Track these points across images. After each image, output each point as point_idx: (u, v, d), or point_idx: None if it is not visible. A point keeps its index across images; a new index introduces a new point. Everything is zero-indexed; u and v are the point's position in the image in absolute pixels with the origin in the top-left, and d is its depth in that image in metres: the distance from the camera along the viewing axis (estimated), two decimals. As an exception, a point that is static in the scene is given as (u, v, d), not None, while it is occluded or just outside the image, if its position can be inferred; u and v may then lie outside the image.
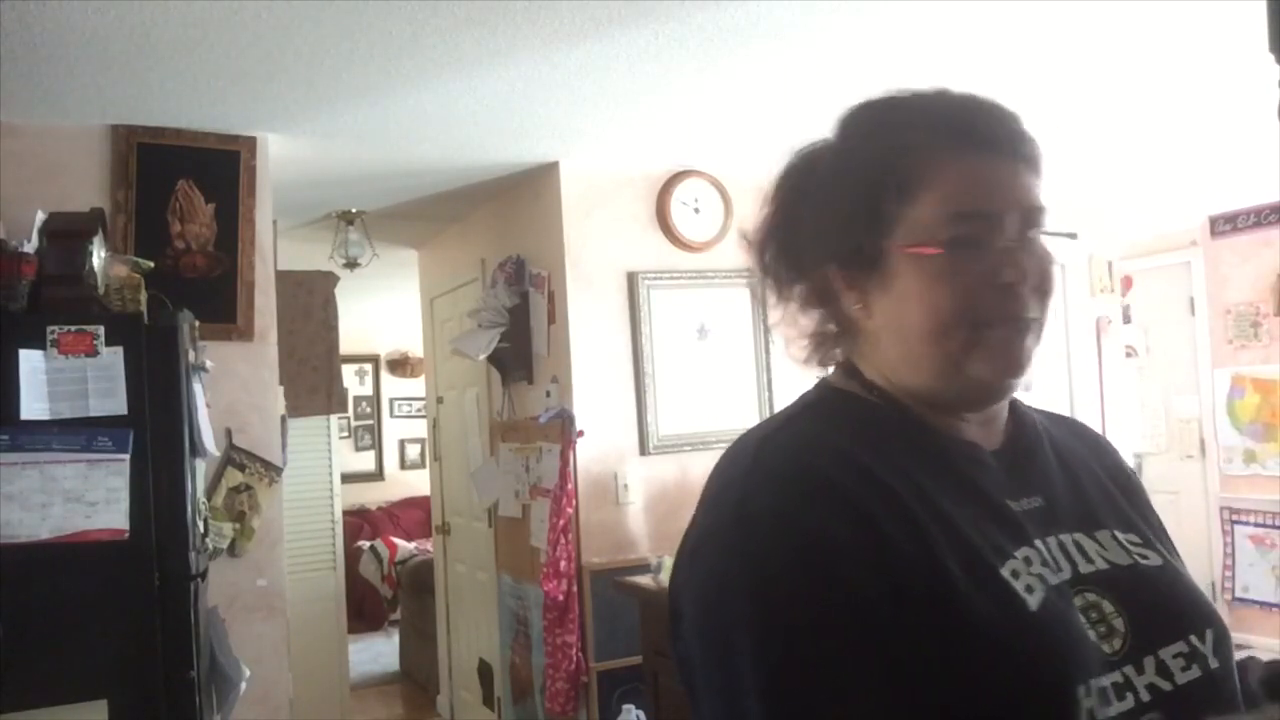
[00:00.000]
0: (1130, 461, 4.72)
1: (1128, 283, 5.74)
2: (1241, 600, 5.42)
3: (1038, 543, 0.87)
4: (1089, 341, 4.90)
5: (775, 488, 0.84)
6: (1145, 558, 0.92)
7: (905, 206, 0.87)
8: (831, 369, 1.00)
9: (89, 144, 3.12)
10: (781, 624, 0.78)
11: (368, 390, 8.87)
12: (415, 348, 7.26)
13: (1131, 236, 5.22)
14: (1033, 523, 0.88)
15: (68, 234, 2.48)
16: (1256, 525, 5.34)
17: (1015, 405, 0.99)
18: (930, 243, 0.86)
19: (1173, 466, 5.84)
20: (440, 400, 5.44)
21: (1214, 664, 0.87)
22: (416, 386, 7.84)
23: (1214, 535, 5.53)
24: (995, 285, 0.86)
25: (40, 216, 2.50)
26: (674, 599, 0.89)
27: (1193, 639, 0.87)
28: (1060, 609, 0.83)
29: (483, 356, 4.16)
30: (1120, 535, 0.93)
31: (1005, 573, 0.82)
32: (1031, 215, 0.89)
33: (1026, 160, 0.90)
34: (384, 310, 7.64)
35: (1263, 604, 5.30)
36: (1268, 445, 5.26)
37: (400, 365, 8.85)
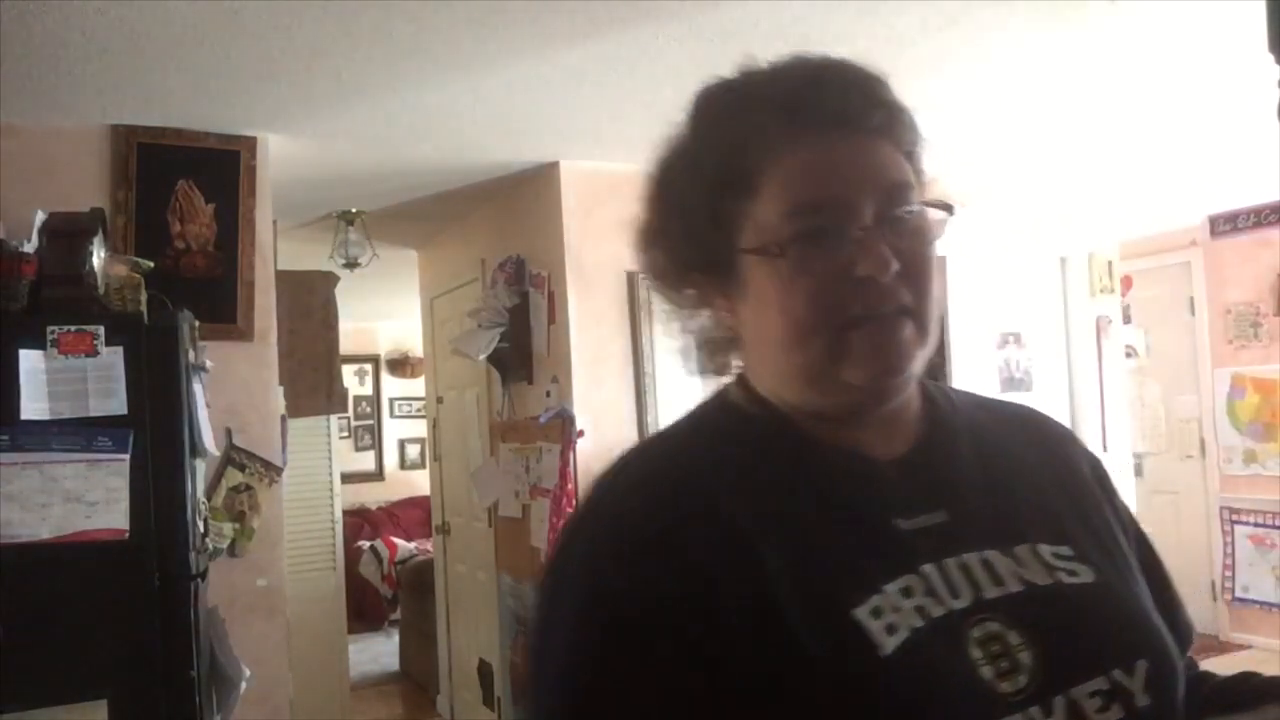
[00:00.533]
0: (1129, 461, 4.67)
1: (1128, 283, 5.74)
2: (1241, 600, 5.42)
3: (927, 567, 0.76)
4: (1089, 341, 4.90)
5: (598, 543, 0.78)
6: (1072, 574, 0.80)
7: (747, 204, 0.79)
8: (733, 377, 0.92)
9: (89, 144, 3.12)
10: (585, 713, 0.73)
11: (368, 390, 8.87)
12: (415, 348, 7.26)
13: (1132, 236, 5.21)
14: (927, 542, 0.78)
15: (68, 234, 2.48)
16: (1256, 525, 5.34)
17: (934, 401, 0.89)
18: (772, 243, 0.78)
19: (1173, 466, 5.84)
20: (440, 400, 5.44)
21: (1143, 702, 0.75)
22: (416, 386, 7.84)
23: (1214, 535, 5.53)
24: (853, 280, 0.77)
25: (40, 216, 2.50)
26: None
27: (1116, 674, 0.75)
28: (928, 649, 0.72)
29: (483, 356, 4.16)
30: (1045, 549, 0.81)
31: (862, 613, 0.72)
32: (892, 194, 0.79)
33: (880, 131, 0.80)
34: (384, 310, 7.64)
35: (1263, 604, 5.30)
36: (1268, 445, 5.26)
37: (400, 365, 8.85)
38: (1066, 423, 4.73)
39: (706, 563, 0.73)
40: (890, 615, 0.73)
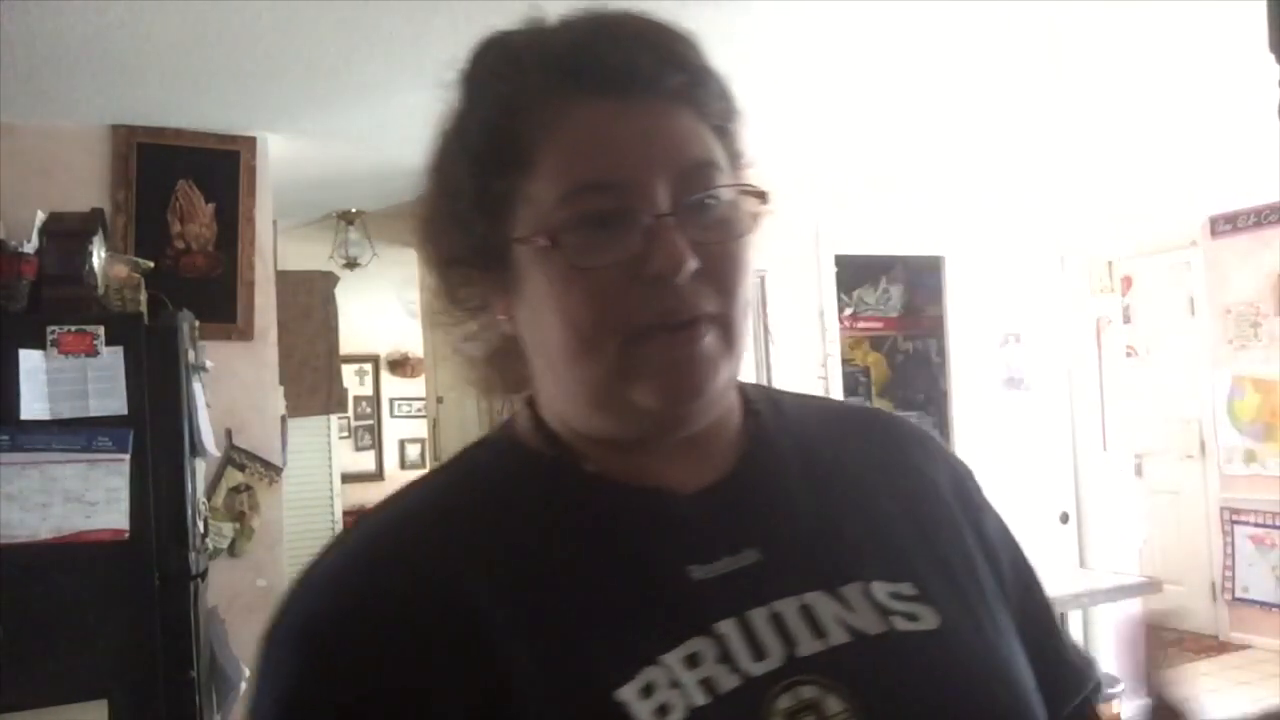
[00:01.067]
0: (1129, 461, 4.67)
1: (1128, 283, 5.75)
2: (1241, 600, 5.43)
3: (724, 625, 0.63)
4: (1089, 341, 4.90)
5: (285, 651, 0.64)
6: (911, 619, 0.66)
7: (521, 183, 0.65)
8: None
9: (89, 144, 3.12)
10: None
11: (368, 390, 8.86)
12: (415, 348, 7.26)
13: (1131, 236, 5.21)
14: (728, 591, 0.65)
15: (68, 234, 2.48)
16: (1256, 525, 5.34)
17: (758, 415, 0.75)
18: (545, 231, 0.63)
19: (1173, 466, 5.84)
20: (440, 400, 5.44)
21: None
22: (416, 386, 7.83)
23: (1214, 535, 5.53)
24: (643, 280, 0.63)
25: (40, 216, 2.50)
26: None
27: None
28: None
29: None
30: (880, 588, 0.67)
31: (628, 692, 0.59)
32: (692, 175, 0.65)
33: (679, 98, 0.65)
34: (384, 310, 7.64)
35: (1263, 604, 5.30)
36: (1268, 445, 5.27)
37: (400, 365, 8.84)
38: (1066, 422, 4.76)
39: (417, 673, 0.60)
40: (665, 693, 0.60)
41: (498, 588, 0.64)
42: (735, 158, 0.70)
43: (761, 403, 0.77)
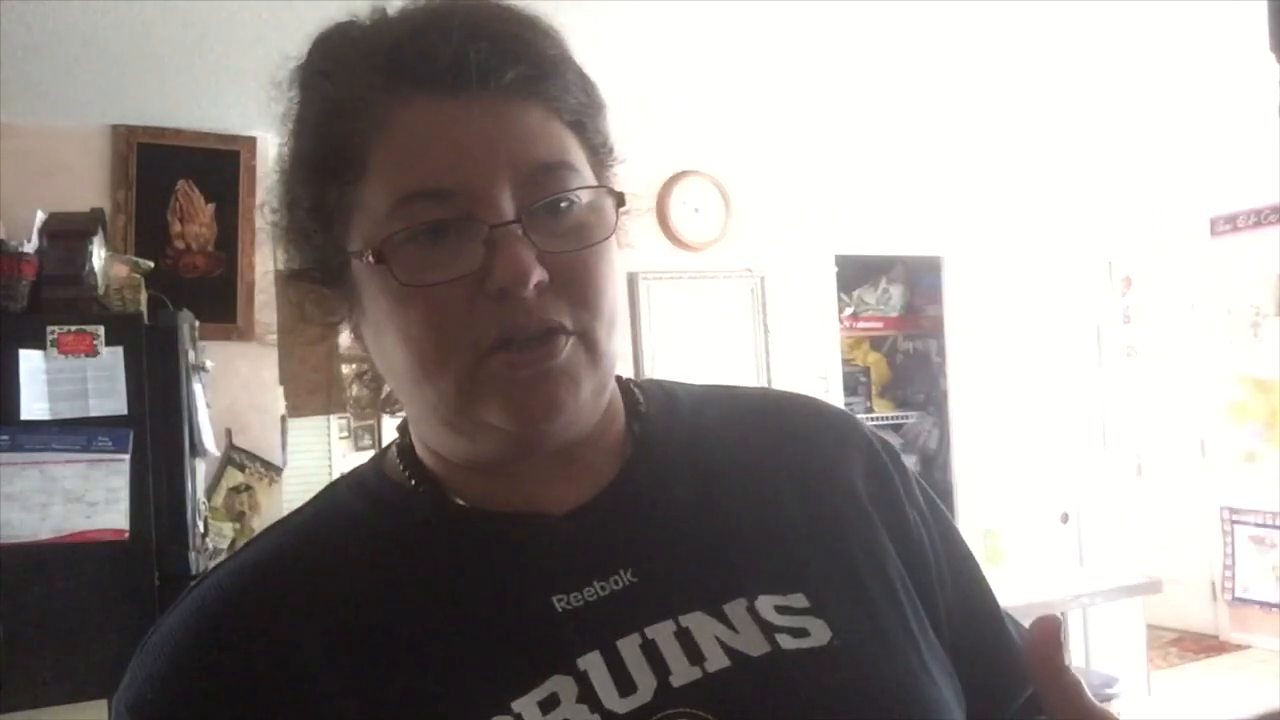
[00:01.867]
0: (1129, 461, 4.67)
1: (1128, 283, 5.75)
2: (1241, 600, 5.42)
3: (588, 658, 0.58)
4: (1089, 341, 4.90)
5: (147, 662, 0.60)
6: (799, 635, 0.60)
7: (353, 190, 0.60)
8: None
9: (89, 144, 3.12)
10: None
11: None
12: (415, 348, 7.25)
13: (1132, 236, 5.22)
14: (597, 621, 0.59)
15: (68, 234, 2.48)
16: (1256, 525, 5.33)
17: (645, 417, 0.70)
18: (373, 244, 0.58)
19: (1173, 466, 5.84)
20: (440, 400, 5.44)
21: None
22: (416, 386, 7.85)
23: (1214, 535, 5.53)
24: (486, 295, 0.58)
25: (40, 216, 2.50)
26: None
27: None
28: None
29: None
30: (766, 602, 0.61)
31: None
32: (539, 177, 0.59)
33: (520, 91, 0.59)
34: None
35: (1263, 604, 5.29)
36: (1268, 445, 5.26)
37: (400, 365, 8.85)
38: (1066, 422, 4.77)
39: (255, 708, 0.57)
40: None
41: (333, 644, 0.58)
42: (599, 156, 0.65)
43: (651, 402, 0.71)
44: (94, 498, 2.34)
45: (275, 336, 3.42)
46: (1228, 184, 4.89)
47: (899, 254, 4.73)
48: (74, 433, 2.34)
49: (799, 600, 0.62)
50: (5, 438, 2.30)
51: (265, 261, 3.35)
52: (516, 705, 0.56)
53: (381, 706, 0.56)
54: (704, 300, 3.95)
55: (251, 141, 3.29)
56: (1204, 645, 5.45)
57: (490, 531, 0.63)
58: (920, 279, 4.91)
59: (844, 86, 3.09)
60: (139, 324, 2.48)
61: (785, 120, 3.38)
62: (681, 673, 0.58)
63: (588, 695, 0.56)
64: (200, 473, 2.71)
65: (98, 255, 2.52)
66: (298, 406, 4.38)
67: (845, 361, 4.63)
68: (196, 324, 2.72)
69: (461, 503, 0.64)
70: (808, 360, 4.12)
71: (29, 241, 2.45)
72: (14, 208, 2.71)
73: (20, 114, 2.96)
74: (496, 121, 0.58)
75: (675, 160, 3.85)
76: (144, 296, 2.60)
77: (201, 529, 2.63)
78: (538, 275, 0.57)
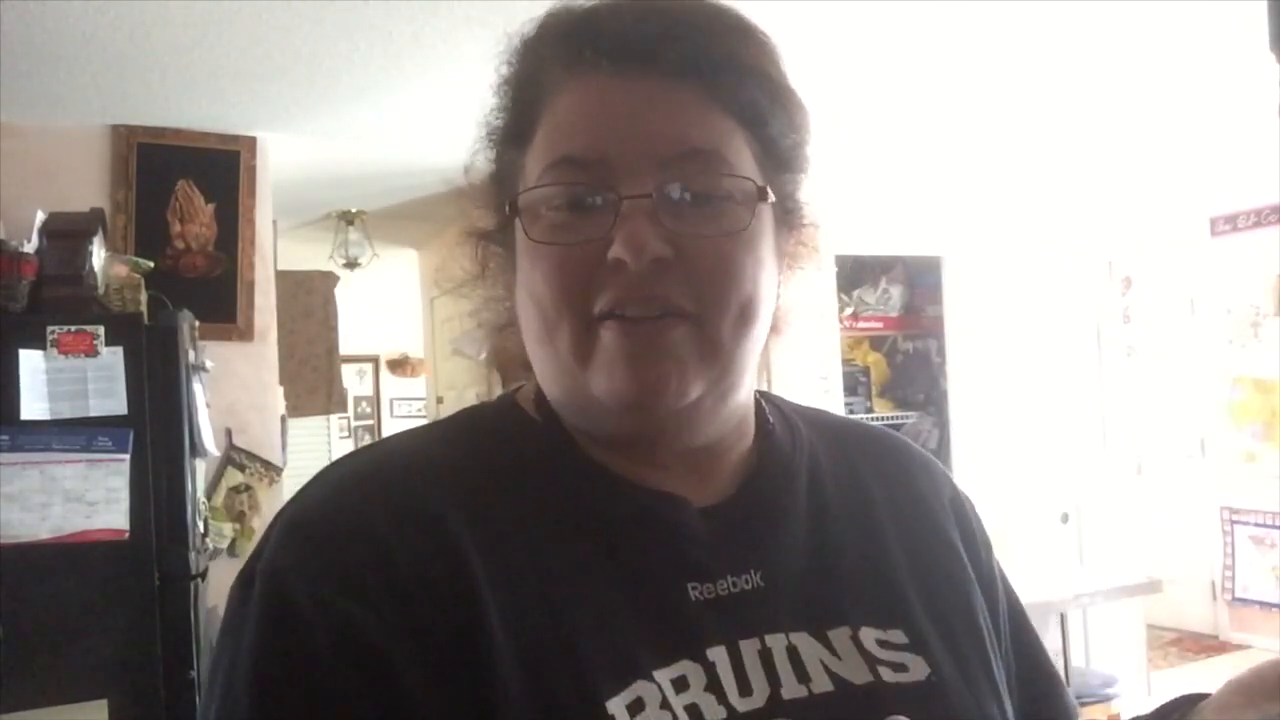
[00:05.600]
0: (1129, 461, 4.67)
1: (1128, 283, 5.74)
2: (1241, 600, 5.42)
3: (714, 651, 0.59)
4: (1089, 341, 4.90)
5: (294, 541, 0.58)
6: (899, 670, 0.63)
7: (520, 156, 0.64)
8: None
9: (89, 144, 3.12)
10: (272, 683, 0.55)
11: (368, 390, 8.87)
12: (415, 348, 7.26)
13: (1132, 236, 5.22)
14: (725, 617, 0.61)
15: (68, 234, 2.48)
16: (1256, 525, 5.33)
17: (771, 434, 0.71)
18: (520, 203, 0.62)
19: (1173, 466, 5.84)
20: (440, 400, 5.44)
21: None
22: (416, 386, 7.84)
23: (1214, 535, 5.52)
24: (604, 264, 0.59)
25: (40, 216, 2.50)
26: None
27: None
28: None
29: (483, 356, 4.14)
30: (869, 634, 0.64)
31: (616, 705, 0.56)
32: (684, 161, 0.60)
33: (686, 75, 0.60)
34: (384, 310, 7.64)
35: (1263, 604, 5.29)
36: (1268, 445, 5.26)
37: (400, 365, 8.85)
38: (1066, 422, 4.76)
39: (408, 605, 0.56)
40: (654, 713, 0.56)
41: (490, 567, 0.58)
42: (771, 157, 0.65)
43: (777, 418, 0.73)
44: (94, 498, 2.34)
45: (275, 335, 3.42)
46: (1228, 184, 4.89)
47: (899, 254, 4.73)
48: (74, 433, 2.34)
49: (898, 636, 0.64)
50: (5, 438, 2.30)
51: (265, 262, 3.35)
52: (656, 676, 0.57)
53: (533, 648, 0.56)
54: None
55: (251, 141, 3.28)
56: (1204, 645, 5.45)
57: (632, 499, 0.63)
58: (920, 279, 4.91)
59: (843, 86, 3.09)
60: (139, 324, 2.48)
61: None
62: (790, 687, 0.59)
63: (714, 686, 0.58)
64: (200, 473, 2.71)
65: (98, 255, 2.52)
66: (302, 406, 4.38)
67: (845, 361, 4.63)
68: (196, 324, 2.72)
69: (600, 460, 0.64)
70: (808, 360, 4.12)
71: (29, 241, 2.45)
72: (14, 208, 2.71)
73: (20, 114, 2.96)
74: (650, 101, 0.59)
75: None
76: (144, 296, 2.60)
77: (201, 529, 2.63)
78: (656, 251, 0.58)
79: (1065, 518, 4.63)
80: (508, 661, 0.55)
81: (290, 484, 3.82)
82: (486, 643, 0.55)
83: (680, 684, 0.57)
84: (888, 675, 0.62)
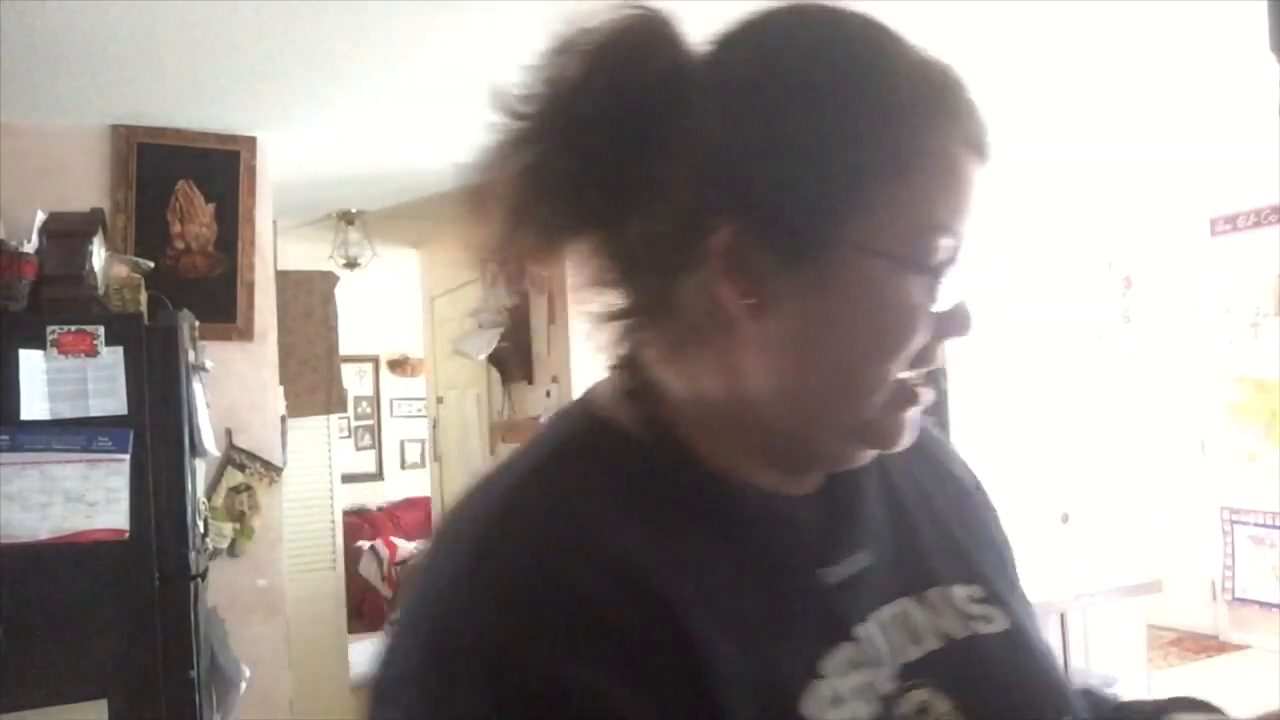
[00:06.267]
0: (1129, 461, 4.67)
1: (1128, 283, 5.74)
2: (1241, 600, 5.42)
3: (860, 629, 0.63)
4: (1089, 341, 4.89)
5: (496, 612, 0.56)
6: (988, 622, 0.69)
7: (883, 192, 0.60)
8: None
9: (89, 144, 3.12)
10: None
11: (368, 390, 8.86)
12: (415, 348, 7.27)
13: (1132, 236, 5.22)
14: (855, 595, 0.65)
15: (68, 234, 2.48)
16: (1256, 525, 5.33)
17: None
18: (910, 254, 0.61)
19: (1173, 466, 5.83)
20: (440, 400, 5.44)
21: None
22: (416, 386, 7.84)
23: (1214, 535, 5.52)
24: (937, 335, 0.63)
25: (40, 216, 2.50)
26: None
27: None
28: None
29: (483, 356, 4.16)
30: (957, 592, 0.70)
31: (809, 707, 0.58)
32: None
33: (987, 165, 0.67)
34: (384, 310, 7.64)
35: (1263, 604, 5.29)
36: (1268, 445, 5.26)
37: (400, 365, 8.84)
38: (1066, 423, 4.76)
39: (639, 651, 0.56)
40: (851, 704, 0.60)
41: (673, 574, 0.58)
42: None
43: None
44: (94, 498, 2.34)
45: (275, 335, 3.42)
46: (1228, 184, 4.89)
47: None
48: (74, 433, 2.34)
49: (978, 591, 0.71)
50: (5, 438, 2.30)
51: (265, 262, 3.35)
52: (828, 667, 0.60)
53: (731, 664, 0.57)
54: (704, 300, 3.94)
55: (251, 141, 3.28)
56: (1204, 645, 5.45)
57: (750, 500, 0.65)
58: (920, 279, 4.91)
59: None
60: (139, 324, 2.48)
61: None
62: (909, 650, 0.65)
63: (873, 661, 0.62)
64: (200, 473, 2.71)
65: (98, 255, 2.52)
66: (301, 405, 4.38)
67: (845, 361, 4.63)
68: (196, 324, 2.72)
69: (707, 469, 0.65)
70: (808, 360, 4.12)
71: (29, 241, 2.45)
72: (14, 208, 2.71)
73: (20, 114, 2.96)
74: (977, 190, 0.65)
75: (675, 160, 3.85)
76: (144, 296, 2.60)
77: (201, 529, 2.63)
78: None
79: (1065, 518, 4.63)
80: (724, 687, 0.56)
81: (290, 484, 3.83)
82: (704, 668, 0.56)
83: (847, 666, 0.61)
84: (980, 627, 0.69)
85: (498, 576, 0.57)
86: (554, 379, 3.87)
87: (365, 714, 0.59)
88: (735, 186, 0.61)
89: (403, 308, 6.48)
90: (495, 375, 4.38)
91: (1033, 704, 0.67)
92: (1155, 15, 2.71)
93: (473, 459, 4.76)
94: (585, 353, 3.77)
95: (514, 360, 4.11)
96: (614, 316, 0.68)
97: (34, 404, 2.33)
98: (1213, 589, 5.55)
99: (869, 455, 0.67)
